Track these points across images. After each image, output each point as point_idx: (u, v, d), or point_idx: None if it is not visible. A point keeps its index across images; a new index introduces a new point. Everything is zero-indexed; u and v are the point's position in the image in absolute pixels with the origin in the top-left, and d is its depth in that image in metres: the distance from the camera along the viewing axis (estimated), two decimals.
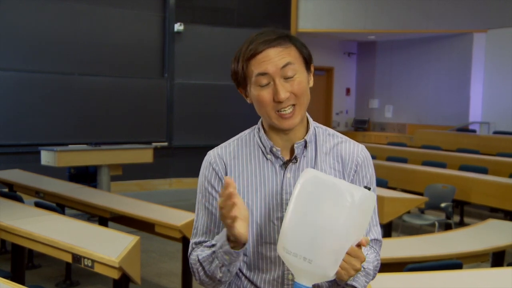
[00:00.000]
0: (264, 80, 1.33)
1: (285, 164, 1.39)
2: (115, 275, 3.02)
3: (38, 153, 6.46)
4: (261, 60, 1.32)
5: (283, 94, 1.31)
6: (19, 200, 4.67)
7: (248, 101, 1.41)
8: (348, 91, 12.71)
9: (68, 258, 3.26)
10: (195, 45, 9.17)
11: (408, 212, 5.68)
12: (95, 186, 6.48)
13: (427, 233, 4.58)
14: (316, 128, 1.45)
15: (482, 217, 6.38)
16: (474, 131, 10.14)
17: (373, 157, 8.37)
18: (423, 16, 10.36)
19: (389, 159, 8.17)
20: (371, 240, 1.45)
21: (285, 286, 1.38)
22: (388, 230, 5.23)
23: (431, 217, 5.84)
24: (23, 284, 3.63)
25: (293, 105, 1.34)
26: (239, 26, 9.41)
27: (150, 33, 8.92)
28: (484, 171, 6.88)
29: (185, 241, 3.86)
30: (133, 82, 8.67)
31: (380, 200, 5.25)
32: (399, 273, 2.85)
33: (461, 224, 6.60)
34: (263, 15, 9.78)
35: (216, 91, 9.28)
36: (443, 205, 5.69)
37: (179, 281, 4.19)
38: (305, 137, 1.40)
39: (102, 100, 8.32)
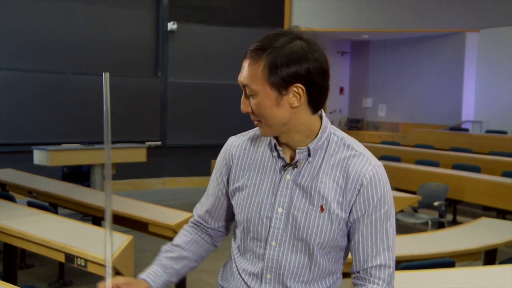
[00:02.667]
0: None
1: (285, 166, 1.38)
2: None
3: (31, 152, 6.42)
4: (241, 69, 1.35)
5: (242, 107, 1.35)
6: (12, 199, 4.64)
7: None
8: (341, 90, 12.73)
9: (61, 258, 3.25)
10: (188, 44, 9.15)
11: (402, 211, 5.70)
12: (88, 186, 6.45)
13: (420, 232, 4.59)
14: (332, 135, 1.38)
15: (475, 216, 6.41)
16: (466, 130, 10.19)
17: None
18: (417, 16, 10.39)
19: (383, 158, 8.19)
20: (374, 266, 1.36)
21: (263, 284, 1.40)
22: None
23: (424, 215, 5.86)
24: (15, 284, 3.61)
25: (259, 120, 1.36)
26: (232, 25, 9.40)
27: (144, 32, 8.90)
28: (476, 170, 6.91)
29: None
30: (126, 81, 8.64)
31: None
32: None
33: (454, 222, 6.63)
34: (257, 14, 9.78)
35: (210, 90, 9.27)
36: (436, 203, 5.71)
37: None
38: (308, 145, 1.36)
39: (95, 99, 8.28)
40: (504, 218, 6.05)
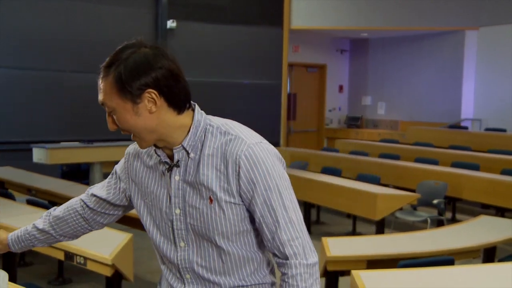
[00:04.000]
0: None
1: (169, 168, 1.40)
2: (108, 272, 3.01)
3: (30, 150, 6.42)
4: None
5: (109, 126, 1.36)
6: (11, 197, 4.65)
7: None
8: (341, 88, 12.72)
9: (61, 256, 3.25)
10: (187, 42, 9.14)
11: (401, 209, 5.70)
12: (87, 184, 6.45)
13: (420, 230, 4.60)
14: (208, 126, 1.39)
15: (474, 214, 6.42)
16: (466, 128, 10.19)
17: (366, 154, 8.39)
18: (416, 14, 10.39)
19: (382, 156, 8.19)
20: (283, 243, 1.33)
21: (186, 285, 1.45)
22: (381, 226, 5.25)
23: (424, 213, 5.87)
24: (15, 282, 3.60)
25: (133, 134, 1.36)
26: (232, 23, 9.39)
27: (143, 30, 8.88)
28: (475, 167, 6.91)
29: None
30: None
31: (372, 197, 5.27)
32: (391, 269, 2.86)
33: (453, 220, 6.64)
34: (256, 12, 9.76)
35: (209, 88, 9.26)
36: (435, 201, 5.72)
37: None
38: (182, 142, 1.36)
39: (94, 97, 8.13)
40: (503, 216, 6.05)
